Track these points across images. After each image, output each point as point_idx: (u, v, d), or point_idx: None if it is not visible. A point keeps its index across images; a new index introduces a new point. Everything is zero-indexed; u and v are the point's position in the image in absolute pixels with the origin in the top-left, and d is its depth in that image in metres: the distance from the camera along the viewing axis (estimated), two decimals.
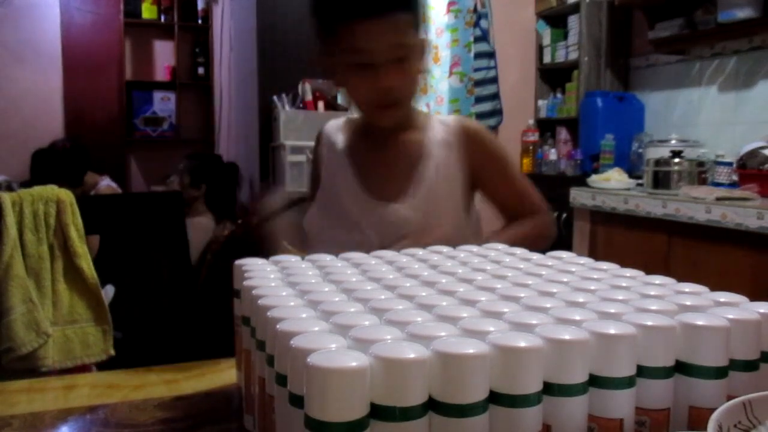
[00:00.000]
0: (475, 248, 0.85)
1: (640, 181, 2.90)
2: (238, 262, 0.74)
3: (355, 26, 1.01)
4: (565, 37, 3.86)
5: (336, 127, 1.27)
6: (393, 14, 1.01)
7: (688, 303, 0.57)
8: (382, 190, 1.17)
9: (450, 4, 4.02)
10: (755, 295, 0.60)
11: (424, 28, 1.13)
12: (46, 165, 2.86)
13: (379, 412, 0.42)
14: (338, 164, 1.21)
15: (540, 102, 4.10)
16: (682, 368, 0.51)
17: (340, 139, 1.24)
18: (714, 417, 0.43)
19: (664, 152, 2.78)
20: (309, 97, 2.78)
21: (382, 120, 1.14)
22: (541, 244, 1.10)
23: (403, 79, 1.06)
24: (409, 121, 1.19)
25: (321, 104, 2.80)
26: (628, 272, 0.71)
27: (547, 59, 4.01)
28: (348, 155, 1.21)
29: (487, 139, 1.21)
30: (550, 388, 0.47)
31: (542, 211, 1.22)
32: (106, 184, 3.07)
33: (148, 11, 4.82)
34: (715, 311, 0.55)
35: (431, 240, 0.94)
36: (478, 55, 4.00)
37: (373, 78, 1.04)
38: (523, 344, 0.45)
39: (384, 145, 1.19)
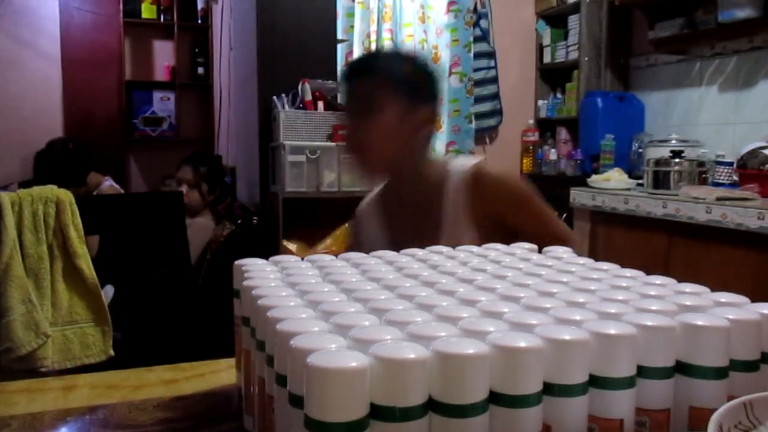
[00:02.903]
0: (474, 248, 0.85)
1: (640, 181, 2.90)
2: (237, 262, 0.74)
3: (341, 88, 1.23)
4: (565, 37, 3.86)
5: (369, 207, 1.38)
6: (359, 81, 1.23)
7: (688, 303, 0.57)
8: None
9: (450, 3, 4.02)
10: (756, 296, 0.60)
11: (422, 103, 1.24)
12: (50, 165, 2.86)
13: (379, 412, 0.42)
14: (374, 237, 1.32)
15: (540, 102, 4.10)
16: (682, 368, 0.51)
17: (371, 213, 1.36)
18: (714, 417, 0.43)
19: (664, 152, 2.78)
20: (309, 97, 2.78)
21: (355, 167, 1.27)
22: None
23: (357, 133, 1.22)
24: (421, 183, 1.27)
25: (321, 104, 2.80)
26: (629, 272, 0.71)
27: (547, 59, 4.01)
28: (379, 226, 1.33)
29: (501, 183, 1.23)
30: (550, 389, 0.46)
31: (568, 242, 1.21)
32: (108, 185, 3.07)
33: (147, 11, 4.81)
34: (715, 311, 0.55)
35: None
36: (478, 55, 4.00)
37: (344, 128, 1.27)
38: (523, 344, 0.45)
39: (403, 207, 1.30)
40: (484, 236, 1.19)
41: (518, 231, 1.22)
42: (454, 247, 1.15)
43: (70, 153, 2.94)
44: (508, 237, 1.22)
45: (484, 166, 1.25)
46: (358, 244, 1.37)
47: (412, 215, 1.28)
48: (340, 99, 1.26)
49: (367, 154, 1.22)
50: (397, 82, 1.19)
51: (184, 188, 2.79)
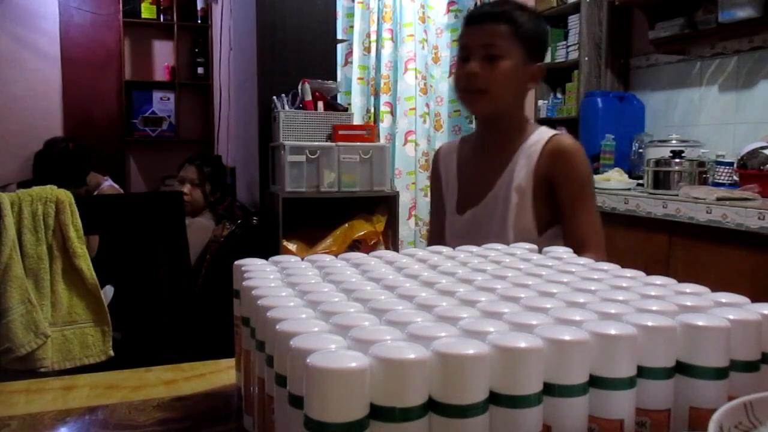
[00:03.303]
0: (474, 248, 0.85)
1: (640, 182, 2.90)
2: (237, 262, 0.74)
3: (465, 29, 1.33)
4: (565, 37, 3.86)
5: (450, 148, 1.48)
6: (490, 25, 1.28)
7: (688, 303, 0.57)
8: (465, 201, 1.37)
9: (450, 3, 4.02)
10: (756, 296, 0.60)
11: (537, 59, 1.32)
12: (49, 166, 2.86)
13: (378, 412, 0.42)
14: (450, 184, 1.42)
15: (540, 102, 4.10)
16: (682, 369, 0.51)
17: (453, 158, 1.44)
18: (715, 418, 0.43)
19: (664, 152, 2.78)
20: (309, 97, 2.78)
21: (469, 105, 1.34)
22: None
23: (490, 71, 1.26)
24: (507, 132, 1.34)
25: (321, 104, 2.80)
26: (629, 273, 0.71)
27: (547, 59, 4.01)
28: (457, 172, 1.42)
29: (570, 159, 1.29)
30: (550, 389, 0.46)
31: (591, 251, 1.20)
32: (108, 185, 3.08)
33: (147, 11, 4.82)
34: (716, 312, 0.55)
35: None
36: None
37: (465, 66, 1.29)
38: (523, 344, 0.45)
39: (481, 155, 1.38)
40: (535, 197, 1.27)
41: (559, 212, 1.28)
42: (507, 191, 1.28)
43: (69, 153, 2.94)
44: (552, 214, 1.28)
45: (568, 137, 1.33)
46: (435, 178, 1.49)
47: (483, 158, 1.37)
48: (460, 36, 1.34)
49: (480, 94, 1.29)
50: (523, 34, 1.28)
51: (186, 187, 2.79)
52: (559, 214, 1.28)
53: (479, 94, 1.28)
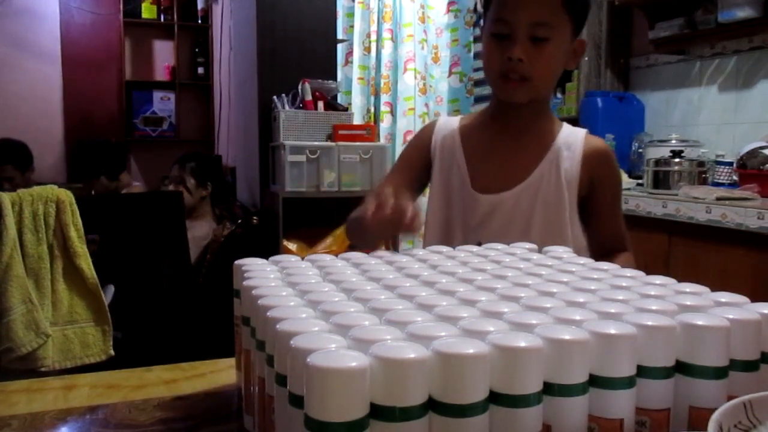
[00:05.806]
0: (474, 248, 0.85)
1: (640, 181, 2.90)
2: (238, 262, 0.74)
3: (515, 9, 1.08)
4: None
5: (449, 124, 1.26)
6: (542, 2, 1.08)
7: (688, 303, 0.57)
8: (490, 181, 1.18)
9: (450, 3, 4.02)
10: (756, 296, 0.60)
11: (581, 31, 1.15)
12: (89, 154, 3.04)
13: (379, 412, 0.42)
14: (450, 165, 1.22)
15: None
16: (682, 368, 0.51)
17: (454, 139, 1.23)
18: (714, 417, 0.43)
19: (664, 152, 2.78)
20: (309, 97, 2.78)
21: (507, 93, 1.14)
22: None
23: (536, 57, 1.08)
24: (538, 117, 1.19)
25: (321, 104, 2.80)
26: (629, 272, 0.71)
27: None
28: (464, 154, 1.21)
29: (612, 161, 1.21)
30: (550, 388, 0.46)
31: (627, 252, 1.21)
32: (138, 186, 3.24)
33: (147, 11, 4.82)
34: (716, 311, 0.55)
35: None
36: (478, 55, 4.00)
37: (507, 48, 1.08)
38: (523, 344, 0.45)
39: (506, 140, 1.20)
40: (579, 195, 1.16)
41: (593, 212, 1.20)
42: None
43: (111, 146, 3.15)
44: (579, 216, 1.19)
45: (601, 139, 1.23)
46: (418, 149, 1.26)
47: (508, 143, 1.19)
48: (498, 6, 1.10)
49: (522, 82, 1.10)
50: (573, 4, 1.10)
51: (171, 187, 2.80)
52: (592, 215, 1.20)
53: (522, 81, 1.09)
